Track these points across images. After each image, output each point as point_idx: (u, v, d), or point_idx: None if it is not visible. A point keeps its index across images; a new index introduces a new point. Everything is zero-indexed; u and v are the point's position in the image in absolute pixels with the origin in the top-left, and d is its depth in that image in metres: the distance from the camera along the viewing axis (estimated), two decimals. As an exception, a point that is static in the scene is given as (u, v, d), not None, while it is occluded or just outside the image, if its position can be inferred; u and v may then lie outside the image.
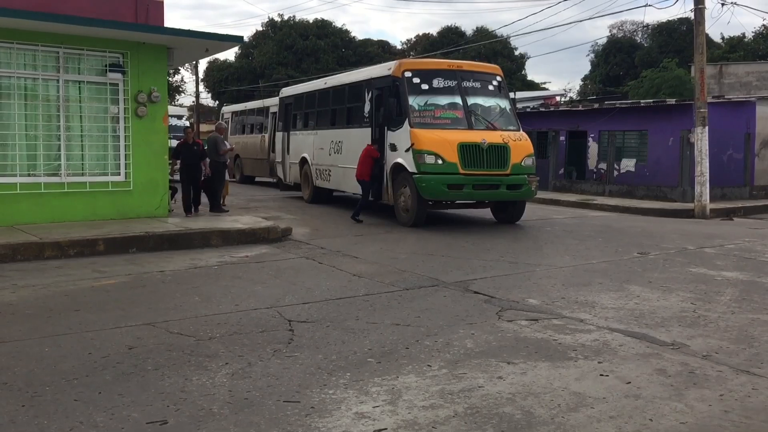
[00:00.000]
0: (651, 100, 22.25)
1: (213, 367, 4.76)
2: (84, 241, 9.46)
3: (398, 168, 12.49)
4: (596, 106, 23.00)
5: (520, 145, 12.47)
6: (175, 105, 43.45)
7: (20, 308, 6.46)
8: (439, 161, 11.81)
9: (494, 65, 14.77)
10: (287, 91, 19.37)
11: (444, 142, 11.92)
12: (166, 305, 6.64)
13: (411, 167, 12.01)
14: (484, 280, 7.85)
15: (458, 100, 12.77)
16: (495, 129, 12.58)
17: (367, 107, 13.94)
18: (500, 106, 13.32)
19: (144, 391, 4.30)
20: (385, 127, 12.90)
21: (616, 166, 20.81)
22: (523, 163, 12.36)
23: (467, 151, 11.89)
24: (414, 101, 12.50)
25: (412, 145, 11.98)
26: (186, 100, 57.06)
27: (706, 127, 15.93)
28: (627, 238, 11.60)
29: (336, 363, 4.85)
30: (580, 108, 23.63)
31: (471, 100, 12.88)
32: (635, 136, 20.66)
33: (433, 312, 6.38)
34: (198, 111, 45.64)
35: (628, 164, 20.56)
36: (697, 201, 15.97)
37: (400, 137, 12.40)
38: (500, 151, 12.12)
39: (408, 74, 12.72)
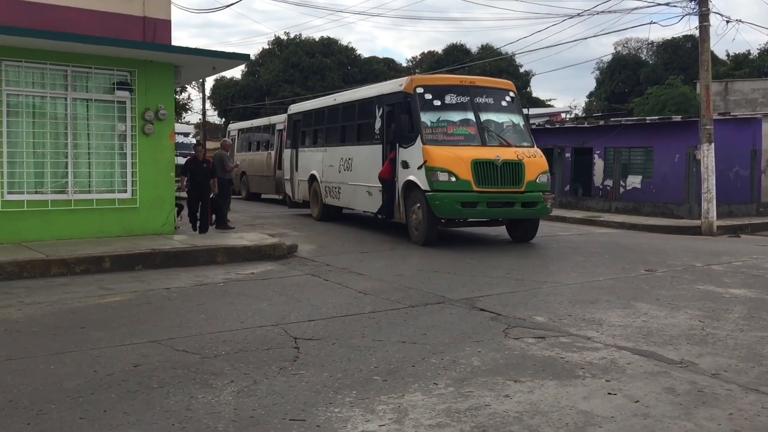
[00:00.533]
0: (657, 117, 22.26)
1: (218, 384, 4.74)
2: (90, 259, 9.48)
3: (410, 186, 12.26)
4: (602, 122, 23.04)
5: (534, 161, 12.26)
6: (181, 122, 43.68)
7: (26, 326, 6.46)
8: (453, 178, 11.61)
9: (507, 81, 14.53)
10: (296, 108, 19.17)
11: (457, 159, 11.71)
12: (171, 322, 6.64)
13: (424, 185, 11.80)
14: (491, 297, 7.82)
15: (471, 116, 12.57)
16: (509, 145, 12.38)
17: (377, 124, 13.72)
18: (514, 122, 13.10)
19: (149, 409, 4.29)
20: (397, 144, 12.67)
21: (622, 182, 20.79)
22: (538, 180, 12.15)
23: (481, 168, 11.69)
24: (426, 117, 12.31)
25: (425, 162, 11.78)
26: (193, 117, 57.41)
27: (712, 144, 15.92)
28: (634, 255, 11.56)
29: (342, 381, 4.83)
30: (586, 125, 23.67)
31: (484, 116, 12.68)
32: (641, 153, 20.65)
33: (439, 329, 6.36)
34: (204, 128, 45.90)
35: (634, 181, 20.54)
36: (704, 218, 15.92)
37: (412, 154, 12.19)
38: (515, 168, 11.91)
39: (420, 90, 12.54)
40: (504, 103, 13.16)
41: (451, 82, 13.34)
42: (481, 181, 11.67)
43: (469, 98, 12.69)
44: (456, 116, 12.62)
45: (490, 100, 12.98)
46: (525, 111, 14.01)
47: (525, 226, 13.03)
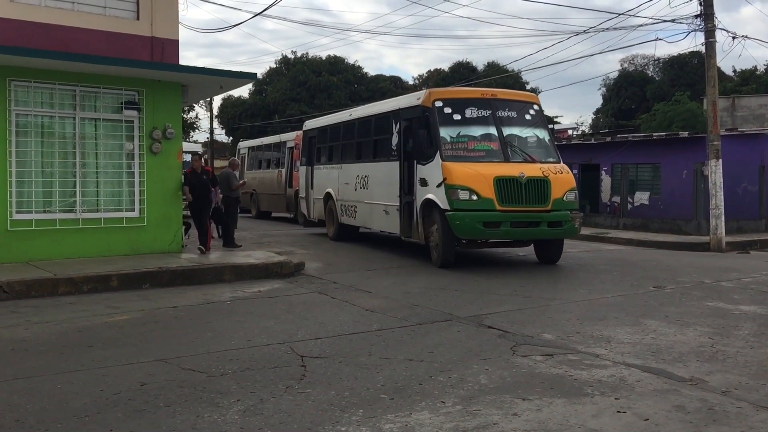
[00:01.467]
0: (664, 133, 22.23)
1: (225, 403, 4.72)
2: (98, 277, 9.51)
3: (429, 204, 11.65)
4: (609, 139, 23.01)
5: (561, 178, 11.65)
6: (189, 141, 43.89)
7: (33, 344, 6.47)
8: (474, 197, 11.02)
9: (531, 93, 14.02)
10: (311, 124, 18.72)
11: (479, 176, 11.12)
12: (178, 341, 6.63)
13: (443, 204, 11.19)
14: (498, 315, 7.78)
15: (493, 130, 11.96)
16: (533, 161, 11.81)
17: (394, 139, 13.12)
18: (538, 137, 12.52)
19: (155, 428, 4.27)
20: (415, 161, 12.13)
21: (629, 199, 20.74)
22: (565, 198, 11.55)
23: (504, 185, 11.11)
24: (445, 132, 11.73)
25: (445, 179, 11.18)
26: (200, 136, 57.74)
27: (720, 160, 15.88)
28: (642, 272, 11.50)
29: (349, 399, 4.81)
30: (593, 141, 23.66)
31: (507, 131, 12.04)
32: (648, 169, 20.61)
33: (446, 347, 6.32)
34: (212, 147, 46.11)
35: (641, 197, 20.48)
36: (713, 234, 15.84)
37: (431, 171, 11.59)
38: (540, 185, 11.33)
39: (439, 104, 11.95)
40: (528, 117, 12.56)
41: (471, 95, 12.89)
42: (504, 200, 11.10)
43: (490, 112, 12.09)
44: (477, 131, 12.03)
45: (513, 114, 12.39)
46: (551, 126, 13.52)
47: (550, 247, 12.47)
